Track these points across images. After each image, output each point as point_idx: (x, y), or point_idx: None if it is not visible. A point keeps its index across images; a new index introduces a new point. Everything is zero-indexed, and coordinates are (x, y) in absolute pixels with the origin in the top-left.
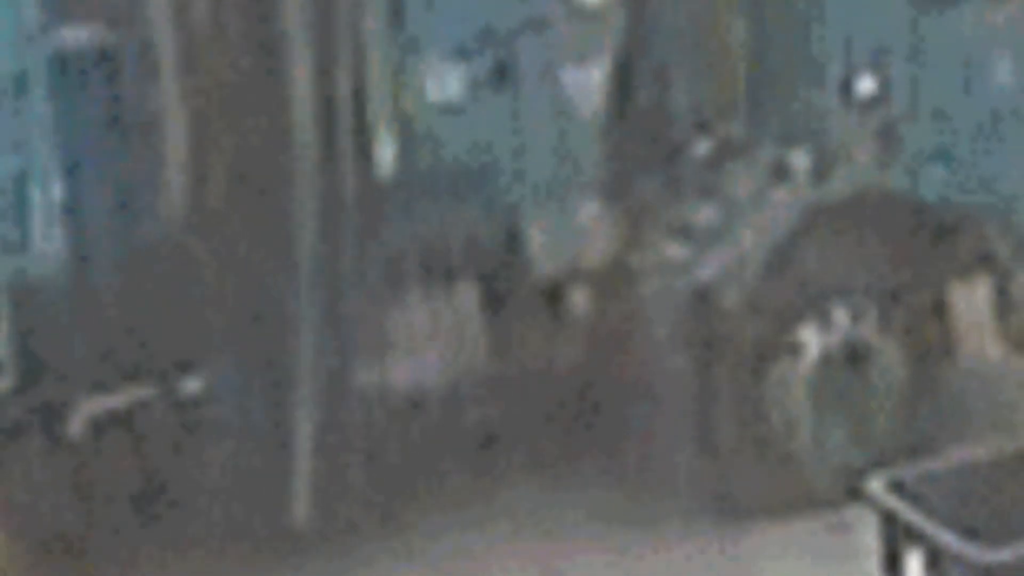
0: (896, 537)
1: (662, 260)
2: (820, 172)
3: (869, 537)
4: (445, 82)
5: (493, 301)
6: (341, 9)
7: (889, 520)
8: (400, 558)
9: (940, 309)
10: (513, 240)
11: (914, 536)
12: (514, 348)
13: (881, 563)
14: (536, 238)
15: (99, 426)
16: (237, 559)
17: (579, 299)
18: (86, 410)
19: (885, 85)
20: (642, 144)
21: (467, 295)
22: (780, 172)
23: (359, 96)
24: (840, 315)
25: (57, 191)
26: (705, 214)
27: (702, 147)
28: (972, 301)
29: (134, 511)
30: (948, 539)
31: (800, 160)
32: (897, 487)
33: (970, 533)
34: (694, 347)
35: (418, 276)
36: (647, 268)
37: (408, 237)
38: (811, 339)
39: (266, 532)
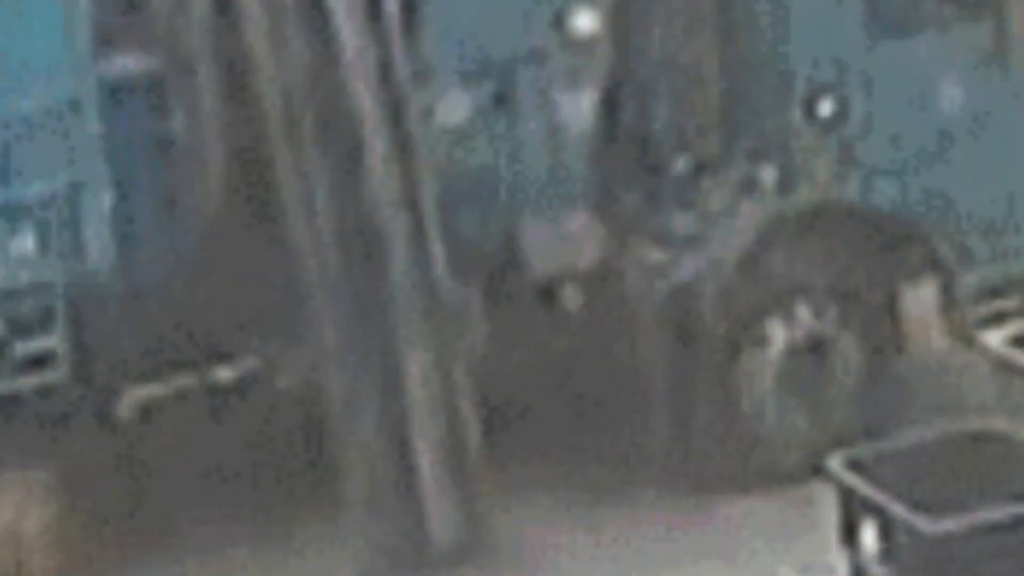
0: (853, 510)
1: (644, 263)
2: (785, 186)
3: (829, 510)
4: (452, 106)
5: (494, 298)
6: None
7: (847, 495)
8: None
9: (892, 307)
10: (512, 244)
11: (869, 509)
12: (512, 339)
13: (840, 533)
14: (532, 243)
15: (145, 411)
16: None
17: (570, 297)
18: (133, 396)
19: (843, 108)
20: (627, 161)
21: (470, 293)
22: (749, 186)
23: (379, 116)
24: (803, 312)
25: (107, 202)
26: (683, 222)
27: (680, 163)
28: (920, 300)
29: (178, 486)
30: (899, 511)
31: (767, 175)
32: (854, 465)
33: (919, 506)
34: (672, 339)
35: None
36: (631, 270)
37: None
38: (777, 333)
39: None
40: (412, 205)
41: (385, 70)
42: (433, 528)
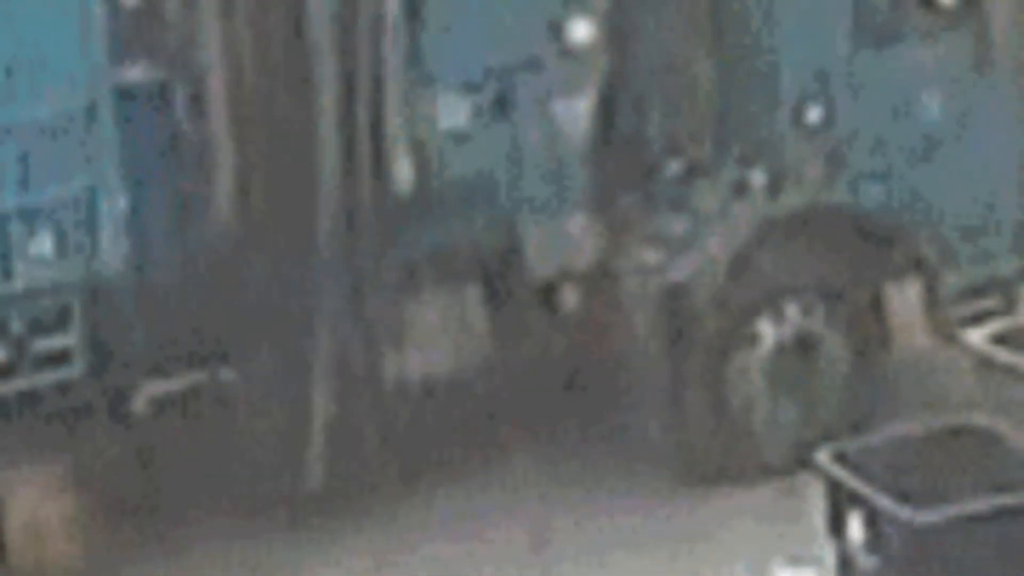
0: (840, 501)
1: (640, 264)
2: (775, 189)
3: (816, 501)
4: (453, 112)
5: (495, 297)
6: (363, 47)
7: (834, 486)
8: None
9: (877, 306)
10: (512, 246)
11: (855, 500)
12: (514, 337)
13: (827, 523)
14: (532, 244)
15: (158, 406)
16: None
17: (569, 296)
18: (147, 392)
19: (831, 114)
20: (622, 165)
21: (473, 293)
22: (741, 189)
23: (379, 123)
24: (792, 310)
25: (121, 204)
26: (676, 224)
27: (674, 167)
28: (905, 299)
29: (189, 478)
30: (884, 503)
31: (758, 178)
32: (841, 458)
33: (903, 497)
34: (666, 337)
35: (431, 276)
36: (627, 270)
37: (423, 243)
38: (767, 331)
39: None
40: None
41: (377, 81)
42: None
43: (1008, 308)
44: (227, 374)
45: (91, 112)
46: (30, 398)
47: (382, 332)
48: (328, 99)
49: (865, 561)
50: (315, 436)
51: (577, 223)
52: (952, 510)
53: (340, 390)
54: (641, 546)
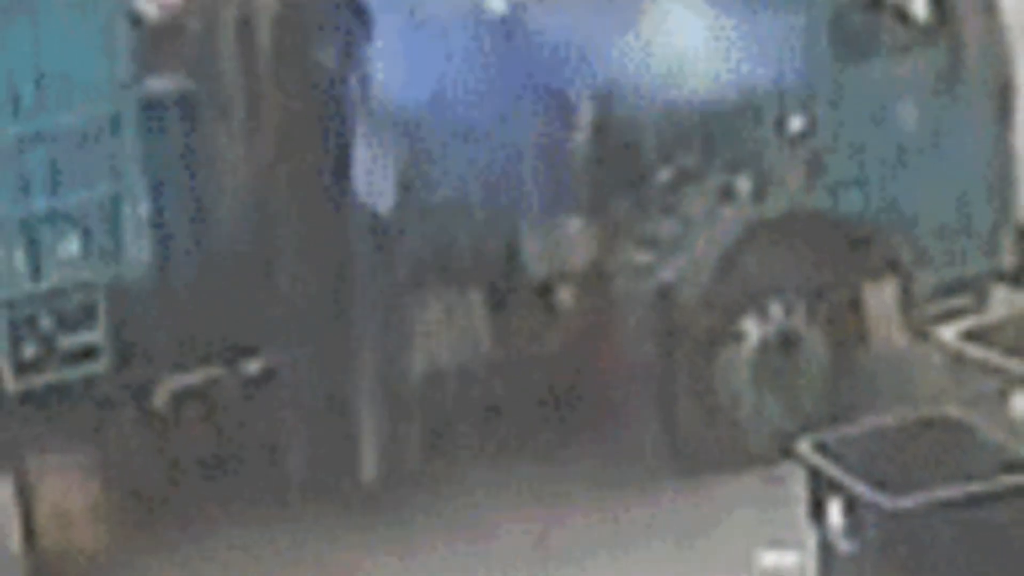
0: (820, 488)
1: (632, 265)
2: (759, 194)
3: (799, 488)
4: None
5: (496, 297)
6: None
7: (815, 475)
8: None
9: (856, 304)
10: (513, 248)
11: (835, 487)
12: (513, 335)
13: (808, 509)
14: (531, 247)
15: (179, 399)
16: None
17: (565, 296)
18: (168, 386)
19: (812, 123)
20: (616, 172)
21: (475, 292)
22: (727, 194)
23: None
24: (775, 309)
25: (144, 210)
26: (666, 228)
27: (664, 174)
28: (882, 298)
29: (207, 468)
30: (862, 490)
31: (743, 184)
32: (821, 448)
33: (880, 485)
34: (657, 335)
35: (436, 276)
36: (620, 271)
37: (431, 245)
38: (752, 329)
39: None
40: (378, 220)
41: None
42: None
43: (978, 306)
44: (247, 368)
45: (116, 122)
46: (58, 391)
47: (401, 329)
48: (344, 108)
49: (844, 544)
50: (364, 429)
51: (573, 227)
52: (926, 497)
53: (377, 387)
54: (634, 532)
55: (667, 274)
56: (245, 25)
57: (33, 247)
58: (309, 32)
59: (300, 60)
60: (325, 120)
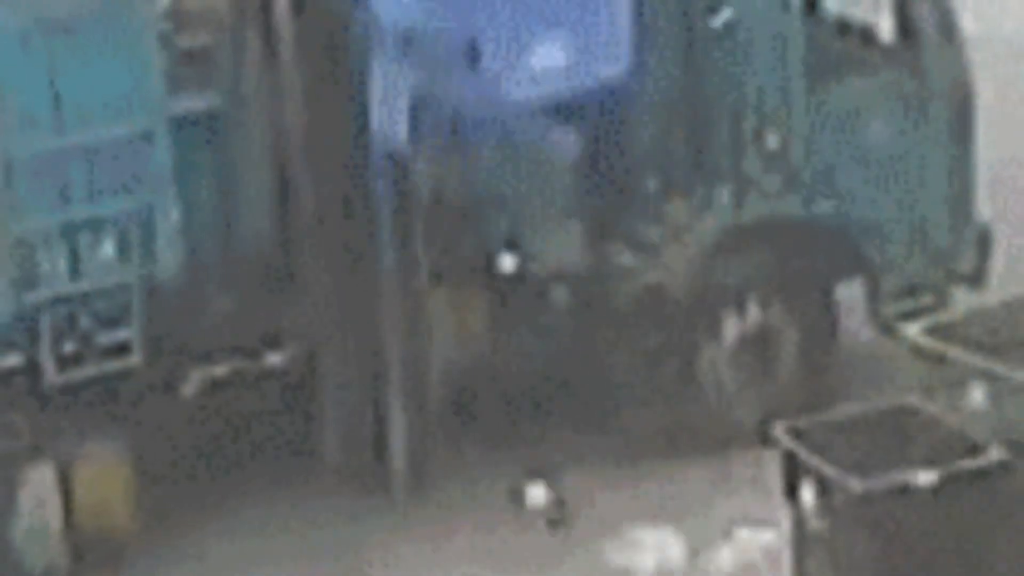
0: (795, 470)
1: (622, 266)
2: (738, 203)
3: (774, 471)
4: None
5: (498, 295)
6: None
7: (789, 458)
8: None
9: (827, 303)
10: (515, 250)
11: (808, 470)
12: (513, 329)
13: (783, 489)
14: (531, 249)
15: (207, 390)
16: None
17: (561, 294)
18: (197, 377)
19: (787, 139)
20: (608, 183)
21: (474, 292)
22: (709, 203)
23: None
24: (752, 306)
25: (174, 218)
26: (654, 233)
27: (651, 184)
28: (850, 297)
29: (233, 454)
30: (833, 472)
31: (724, 194)
32: (796, 433)
33: (850, 468)
34: (645, 329)
35: (445, 276)
36: (611, 272)
37: (440, 247)
38: (731, 324)
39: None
40: (404, 221)
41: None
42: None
43: (939, 305)
44: (269, 360)
45: (149, 137)
46: (95, 383)
47: (418, 325)
48: (357, 124)
49: (816, 522)
50: (396, 419)
51: (569, 232)
52: (891, 479)
53: (409, 377)
54: (623, 508)
55: (655, 275)
56: (268, 49)
57: (73, 252)
58: (329, 54)
59: (320, 81)
60: (342, 137)
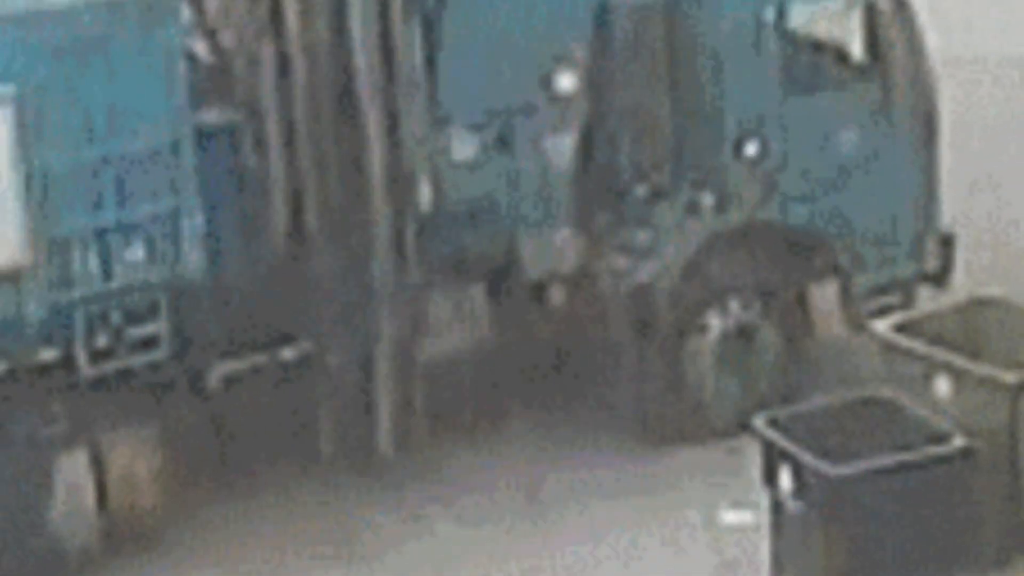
0: (773, 457)
1: (612, 268)
2: (720, 208)
3: (754, 458)
4: (463, 146)
5: (496, 295)
6: (395, 97)
7: (768, 446)
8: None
9: (803, 301)
10: (510, 253)
11: (785, 457)
12: (511, 327)
13: (762, 475)
14: (526, 252)
15: (229, 381)
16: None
17: (556, 294)
18: (220, 370)
19: (765, 148)
20: (599, 189)
21: (477, 291)
22: (693, 208)
23: (405, 155)
24: (734, 305)
25: (199, 221)
26: (642, 237)
27: (640, 191)
28: (825, 296)
29: (252, 440)
30: (808, 459)
31: (707, 200)
32: (774, 423)
33: (823, 454)
34: (634, 327)
35: (445, 276)
36: (602, 273)
37: (440, 250)
38: (714, 322)
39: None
40: (398, 226)
41: (393, 116)
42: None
43: (907, 303)
44: (286, 354)
45: (175, 147)
46: (125, 375)
47: (414, 320)
48: (367, 138)
49: (793, 505)
50: (383, 407)
51: (563, 235)
52: (863, 465)
53: (396, 369)
54: (613, 495)
55: (642, 276)
56: (283, 65)
57: (105, 253)
58: (341, 71)
59: (332, 95)
60: (354, 147)
